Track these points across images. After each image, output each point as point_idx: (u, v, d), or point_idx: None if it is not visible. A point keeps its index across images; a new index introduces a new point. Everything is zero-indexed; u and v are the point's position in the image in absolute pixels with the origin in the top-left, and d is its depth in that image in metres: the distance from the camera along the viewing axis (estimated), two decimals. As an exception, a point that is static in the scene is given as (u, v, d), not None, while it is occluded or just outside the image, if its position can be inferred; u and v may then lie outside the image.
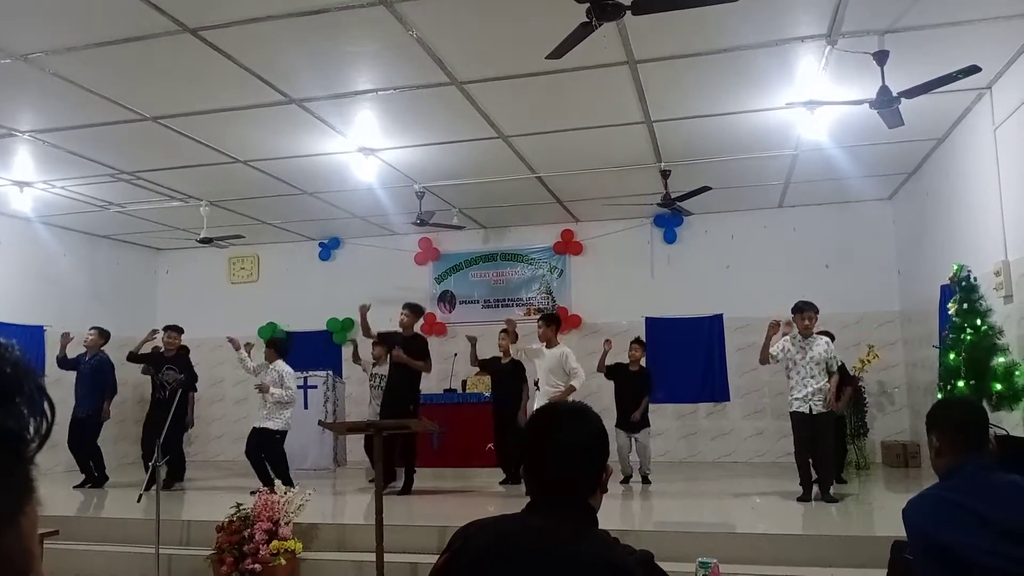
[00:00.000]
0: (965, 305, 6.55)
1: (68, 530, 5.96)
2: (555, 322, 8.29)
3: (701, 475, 9.46)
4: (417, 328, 8.66)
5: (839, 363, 7.42)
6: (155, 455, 5.90)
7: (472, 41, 5.74)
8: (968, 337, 6.35)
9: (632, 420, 8.59)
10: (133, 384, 10.57)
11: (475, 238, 11.92)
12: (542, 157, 8.53)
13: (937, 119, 7.49)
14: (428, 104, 6.86)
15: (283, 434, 8.41)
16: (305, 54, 5.86)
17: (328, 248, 12.46)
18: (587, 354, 9.75)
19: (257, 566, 5.60)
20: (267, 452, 8.24)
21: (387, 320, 9.30)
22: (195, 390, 9.63)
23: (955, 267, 6.88)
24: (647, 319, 10.82)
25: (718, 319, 10.84)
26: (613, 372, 8.81)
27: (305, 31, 5.45)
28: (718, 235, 11.09)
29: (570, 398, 7.64)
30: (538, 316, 8.77)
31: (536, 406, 7.57)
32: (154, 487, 5.90)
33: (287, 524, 5.87)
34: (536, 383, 8.25)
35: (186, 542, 6.42)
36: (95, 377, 9.15)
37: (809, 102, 6.59)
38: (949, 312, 6.79)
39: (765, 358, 7.40)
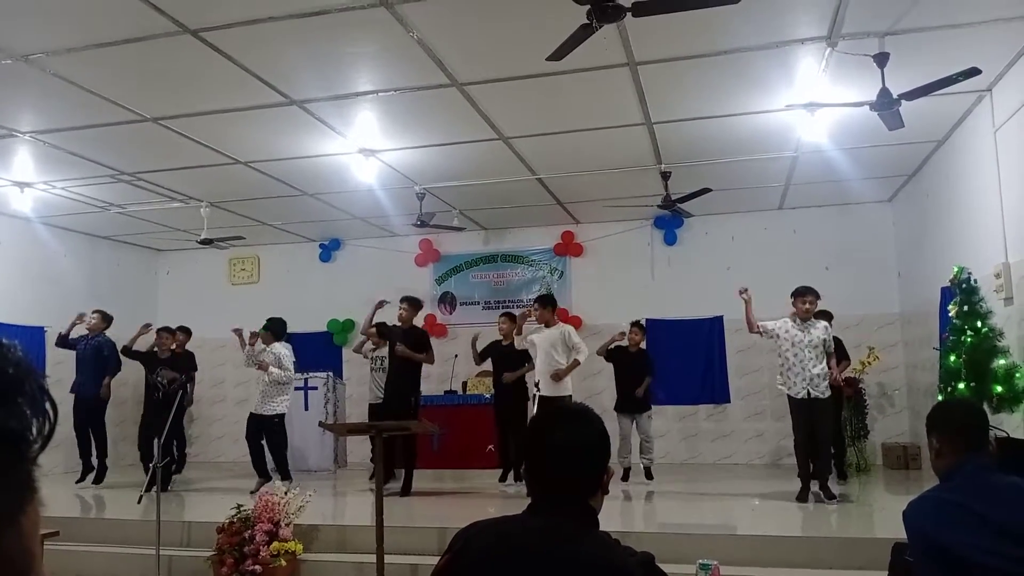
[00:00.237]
0: (965, 307, 6.54)
1: (68, 531, 5.95)
2: (551, 303, 8.34)
3: (701, 477, 9.45)
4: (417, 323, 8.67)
5: (832, 345, 7.36)
6: (155, 456, 5.91)
7: (473, 42, 5.75)
8: (968, 339, 6.35)
9: (635, 396, 8.57)
10: (133, 384, 10.56)
11: (475, 239, 11.92)
12: (542, 159, 8.54)
13: (937, 121, 7.50)
14: (429, 105, 6.87)
15: (281, 417, 8.47)
16: (306, 55, 5.87)
17: (328, 249, 12.47)
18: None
19: (257, 567, 5.60)
20: (268, 438, 8.28)
21: (388, 320, 9.30)
22: (191, 381, 9.52)
23: (955, 269, 6.88)
24: (647, 320, 10.79)
25: (718, 321, 10.84)
26: (613, 355, 8.83)
27: (306, 32, 5.45)
28: (718, 237, 11.10)
29: (573, 398, 7.65)
30: (535, 300, 8.71)
31: (538, 383, 7.59)
32: (154, 488, 5.90)
33: (287, 525, 5.86)
34: (537, 384, 8.21)
35: (186, 543, 6.41)
36: (96, 359, 9.16)
37: (809, 104, 6.60)
38: (949, 314, 6.79)
39: (753, 326, 7.37)
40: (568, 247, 11.65)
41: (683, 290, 11.00)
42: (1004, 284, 6.50)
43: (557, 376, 7.80)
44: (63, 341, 9.14)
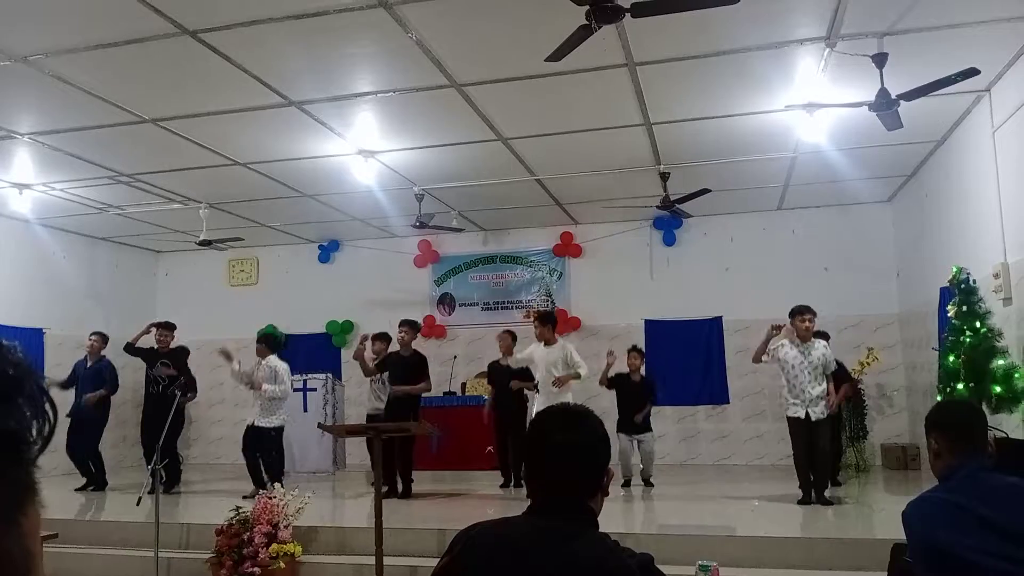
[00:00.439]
0: (964, 307, 6.55)
1: (67, 533, 5.95)
2: (551, 320, 8.30)
3: (701, 478, 9.46)
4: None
5: (835, 365, 7.41)
6: (154, 458, 5.90)
7: (471, 43, 5.75)
8: (967, 339, 6.35)
9: (635, 422, 8.57)
10: (132, 387, 10.55)
11: (474, 240, 11.93)
12: (541, 159, 8.54)
13: (936, 121, 7.50)
14: (427, 106, 6.87)
15: (279, 431, 8.38)
16: (304, 56, 5.87)
17: (327, 250, 12.46)
18: (586, 357, 9.72)
19: (256, 569, 5.59)
20: (263, 450, 8.20)
21: (386, 325, 9.32)
22: (194, 392, 9.43)
23: (954, 269, 6.89)
24: (646, 321, 10.83)
25: (717, 321, 10.85)
26: (615, 382, 8.80)
27: (304, 33, 5.45)
28: (717, 237, 11.10)
29: (572, 399, 7.66)
30: (534, 318, 8.73)
31: (538, 405, 7.61)
32: (157, 488, 5.90)
33: (286, 527, 5.86)
34: (537, 386, 8.22)
35: (185, 545, 6.41)
36: (96, 381, 9.14)
37: (808, 104, 6.61)
38: (948, 314, 6.80)
39: (759, 357, 7.40)
40: (567, 248, 11.66)
41: (682, 291, 11.00)
42: (1003, 284, 6.50)
43: (559, 382, 7.80)
44: (68, 383, 9.07)
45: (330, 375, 10.99)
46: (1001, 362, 6.11)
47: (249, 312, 12.13)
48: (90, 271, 11.71)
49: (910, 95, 5.63)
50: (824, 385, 7.15)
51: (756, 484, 8.66)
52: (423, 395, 8.55)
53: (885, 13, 5.35)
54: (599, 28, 4.46)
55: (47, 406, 0.63)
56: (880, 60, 5.70)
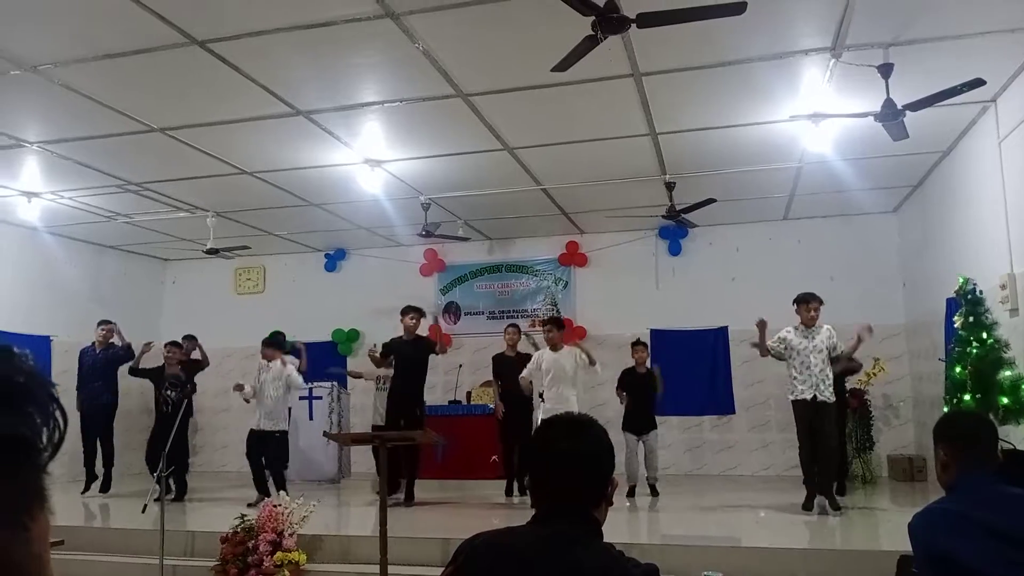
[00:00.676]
0: (971, 318, 6.53)
1: (73, 540, 5.95)
2: (562, 326, 8.42)
3: (706, 488, 9.42)
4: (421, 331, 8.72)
5: (840, 348, 7.34)
6: (160, 466, 5.91)
7: (478, 54, 5.78)
8: (974, 350, 6.33)
9: (647, 415, 8.60)
10: (138, 393, 10.58)
11: (480, 249, 11.94)
12: (547, 169, 8.56)
13: (942, 132, 7.50)
14: (434, 116, 6.90)
15: (284, 434, 8.47)
16: (312, 66, 5.90)
17: (334, 259, 12.50)
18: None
19: (261, 577, 5.59)
20: (269, 455, 8.26)
21: (392, 330, 9.31)
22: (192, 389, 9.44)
23: (960, 280, 6.86)
24: (652, 331, 10.80)
25: (723, 331, 10.82)
26: (623, 381, 8.81)
27: (312, 43, 5.49)
28: (723, 247, 11.10)
29: (578, 408, 7.65)
30: (544, 322, 8.70)
31: (544, 413, 7.63)
32: (162, 496, 5.91)
33: (291, 535, 5.86)
34: (541, 395, 8.21)
35: (190, 553, 6.41)
36: (108, 367, 9.27)
37: (814, 115, 6.61)
38: (955, 325, 6.77)
39: (765, 351, 7.39)
40: (573, 257, 11.66)
41: (688, 300, 10.99)
42: (1009, 295, 6.48)
43: (590, 358, 7.95)
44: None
45: (336, 383, 11.00)
46: (1008, 373, 6.09)
47: (255, 320, 12.13)
48: (97, 279, 11.75)
49: (916, 105, 5.63)
50: (829, 368, 7.12)
51: (762, 495, 8.62)
52: (427, 404, 8.56)
53: (890, 24, 5.35)
54: (605, 38, 4.48)
55: (57, 413, 0.64)
56: (886, 70, 5.70)
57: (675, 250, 11.29)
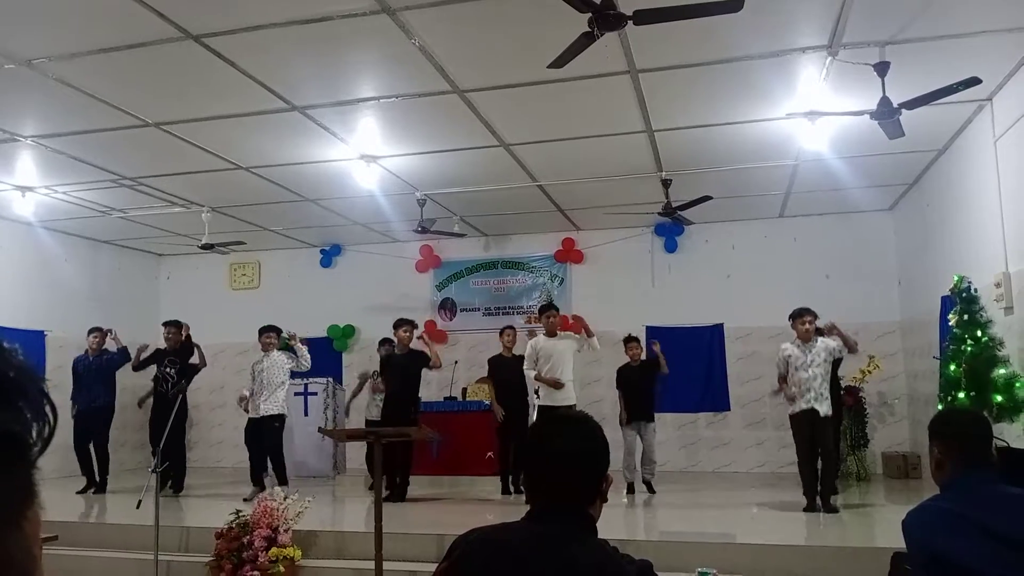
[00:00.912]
0: (965, 316, 6.54)
1: (67, 536, 5.94)
2: (558, 312, 8.66)
3: (701, 485, 9.44)
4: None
5: (841, 350, 7.34)
6: (154, 461, 5.90)
7: (474, 50, 5.76)
8: (968, 348, 6.34)
9: (648, 402, 8.63)
10: (132, 390, 10.55)
11: (476, 246, 11.93)
12: (543, 165, 8.55)
13: (938, 130, 7.51)
14: (430, 112, 6.89)
15: (282, 419, 8.49)
16: (308, 61, 5.88)
17: (329, 255, 12.47)
18: (587, 363, 9.76)
19: (256, 573, 5.59)
20: (267, 440, 8.29)
21: (387, 330, 9.30)
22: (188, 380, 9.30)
23: (956, 278, 6.88)
24: (648, 328, 10.81)
25: (718, 329, 10.84)
26: (620, 376, 8.83)
27: (308, 39, 5.47)
28: (719, 244, 11.10)
29: (576, 403, 7.66)
30: (545, 309, 8.69)
31: (538, 390, 7.72)
32: (157, 491, 5.90)
33: (286, 531, 5.86)
34: (537, 392, 8.22)
35: (185, 548, 6.40)
36: (105, 371, 9.24)
37: (810, 112, 6.61)
38: (950, 323, 6.79)
39: (782, 383, 7.43)
40: (569, 254, 11.66)
41: (683, 298, 11.00)
42: (1004, 293, 6.50)
43: (589, 331, 8.22)
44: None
45: (331, 379, 10.99)
46: (1002, 371, 6.10)
47: (250, 316, 12.06)
48: (92, 274, 11.72)
49: (912, 104, 5.64)
50: (828, 381, 7.16)
51: (756, 492, 8.65)
52: (422, 401, 8.57)
53: (887, 22, 5.36)
54: (601, 35, 4.47)
55: (47, 408, 0.64)
56: (882, 69, 5.70)
57: (671, 247, 11.29)
